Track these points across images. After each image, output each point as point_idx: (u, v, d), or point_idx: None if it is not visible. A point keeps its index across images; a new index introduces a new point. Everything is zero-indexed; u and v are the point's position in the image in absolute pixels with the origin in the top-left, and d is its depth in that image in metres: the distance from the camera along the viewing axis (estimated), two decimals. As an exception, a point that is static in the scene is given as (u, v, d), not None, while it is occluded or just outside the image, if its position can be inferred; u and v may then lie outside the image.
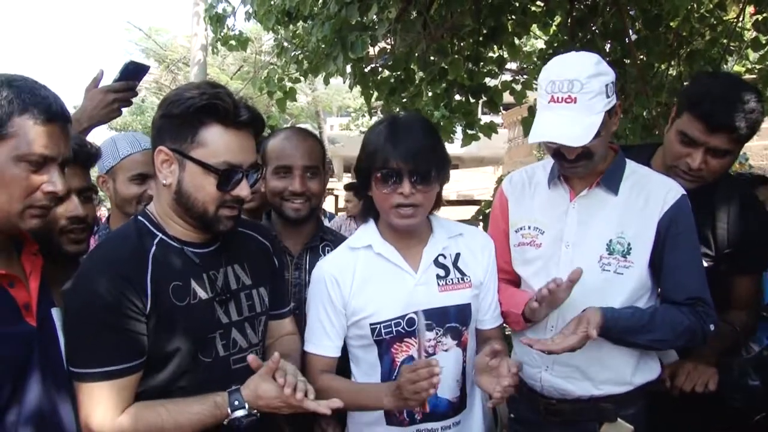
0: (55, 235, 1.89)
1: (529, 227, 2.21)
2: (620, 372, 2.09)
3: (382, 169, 1.93)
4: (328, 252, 2.39)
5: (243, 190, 1.77)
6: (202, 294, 1.78)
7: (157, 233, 1.79)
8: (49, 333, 1.66)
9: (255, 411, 1.68)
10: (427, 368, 1.72)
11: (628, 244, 2.06)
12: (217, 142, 1.72)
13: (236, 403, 1.67)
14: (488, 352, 1.90)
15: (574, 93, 1.91)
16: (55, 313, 1.71)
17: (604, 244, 2.07)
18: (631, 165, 2.17)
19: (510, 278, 2.28)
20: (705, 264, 2.20)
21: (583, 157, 2.00)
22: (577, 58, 1.97)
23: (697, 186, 2.24)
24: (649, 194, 2.09)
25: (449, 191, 18.55)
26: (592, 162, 2.03)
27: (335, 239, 2.48)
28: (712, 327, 2.05)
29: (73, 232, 1.92)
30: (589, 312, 1.92)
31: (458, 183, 21.91)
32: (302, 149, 2.36)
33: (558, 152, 2.03)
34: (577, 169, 2.04)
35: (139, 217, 1.84)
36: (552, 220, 2.17)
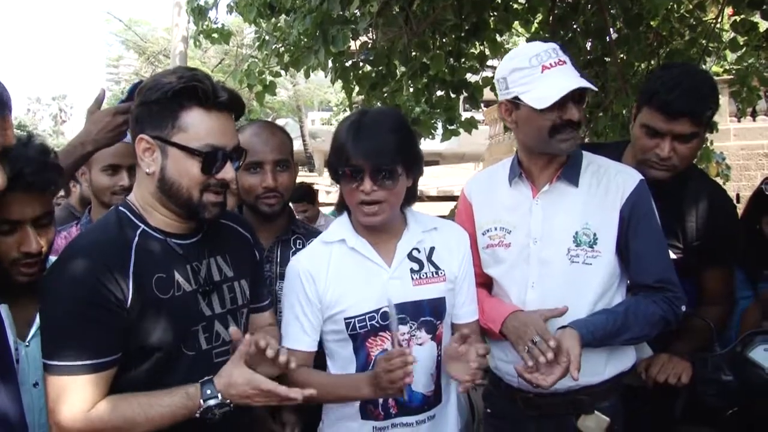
0: (5, 265, 1.80)
1: (496, 228, 2.22)
2: (594, 362, 2.10)
3: (345, 167, 1.92)
4: (299, 244, 2.39)
5: (228, 172, 1.74)
6: (185, 286, 1.75)
7: (139, 224, 1.75)
8: None
9: (228, 401, 1.65)
10: (401, 357, 1.75)
11: (594, 234, 2.09)
12: (199, 125, 1.69)
13: (208, 392, 1.64)
14: (457, 339, 1.91)
15: (561, 57, 2.03)
16: (3, 311, 1.67)
17: (570, 236, 2.10)
18: (587, 156, 2.21)
19: (480, 281, 2.28)
20: (674, 256, 2.24)
21: (577, 125, 2.05)
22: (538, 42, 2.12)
23: (670, 175, 2.28)
24: (609, 183, 2.13)
25: (429, 187, 18.59)
26: (578, 135, 2.09)
27: (307, 232, 2.49)
28: (683, 308, 2.10)
29: (25, 265, 1.81)
30: (567, 340, 1.90)
31: (438, 179, 21.96)
32: (272, 144, 2.35)
33: (556, 124, 2.03)
34: (571, 141, 2.06)
35: (120, 208, 1.80)
36: (517, 218, 2.18)
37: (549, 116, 2.02)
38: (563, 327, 1.97)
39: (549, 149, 2.09)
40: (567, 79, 1.99)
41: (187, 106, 1.68)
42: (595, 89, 2.05)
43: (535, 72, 2.01)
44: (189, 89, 1.66)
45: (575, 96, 2.00)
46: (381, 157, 1.90)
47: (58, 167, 1.89)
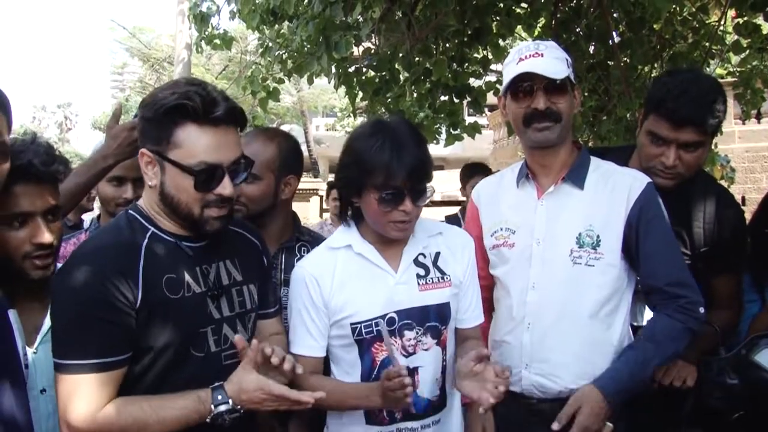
0: (18, 260, 1.82)
1: (502, 229, 2.24)
2: (597, 366, 2.09)
3: (385, 189, 1.89)
4: (304, 252, 2.38)
5: (225, 188, 1.73)
6: (195, 287, 1.76)
7: (149, 227, 1.77)
8: (5, 334, 1.62)
9: (238, 407, 1.66)
10: (398, 377, 1.76)
11: (597, 236, 2.09)
12: (193, 142, 1.68)
13: (219, 398, 1.65)
14: (473, 357, 1.87)
15: (540, 50, 2.08)
16: (12, 316, 1.68)
17: (573, 237, 2.10)
18: (595, 161, 2.22)
19: (483, 283, 2.27)
20: None
21: (553, 117, 2.07)
22: None
23: (676, 183, 2.27)
24: (615, 185, 2.13)
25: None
26: (559, 127, 2.09)
27: (312, 239, 2.47)
28: (701, 310, 2.07)
29: (39, 257, 1.84)
30: (589, 401, 1.95)
31: (443, 184, 21.83)
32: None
33: (527, 114, 2.08)
34: (546, 131, 2.08)
35: (131, 212, 1.82)
36: (522, 219, 2.20)
37: (521, 105, 2.09)
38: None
39: (526, 140, 2.15)
40: (530, 67, 2.04)
41: (181, 123, 1.68)
42: (555, 77, 2.04)
43: (513, 65, 2.09)
44: (180, 107, 1.66)
45: (548, 86, 2.05)
46: (420, 178, 1.91)
47: (65, 160, 1.94)
